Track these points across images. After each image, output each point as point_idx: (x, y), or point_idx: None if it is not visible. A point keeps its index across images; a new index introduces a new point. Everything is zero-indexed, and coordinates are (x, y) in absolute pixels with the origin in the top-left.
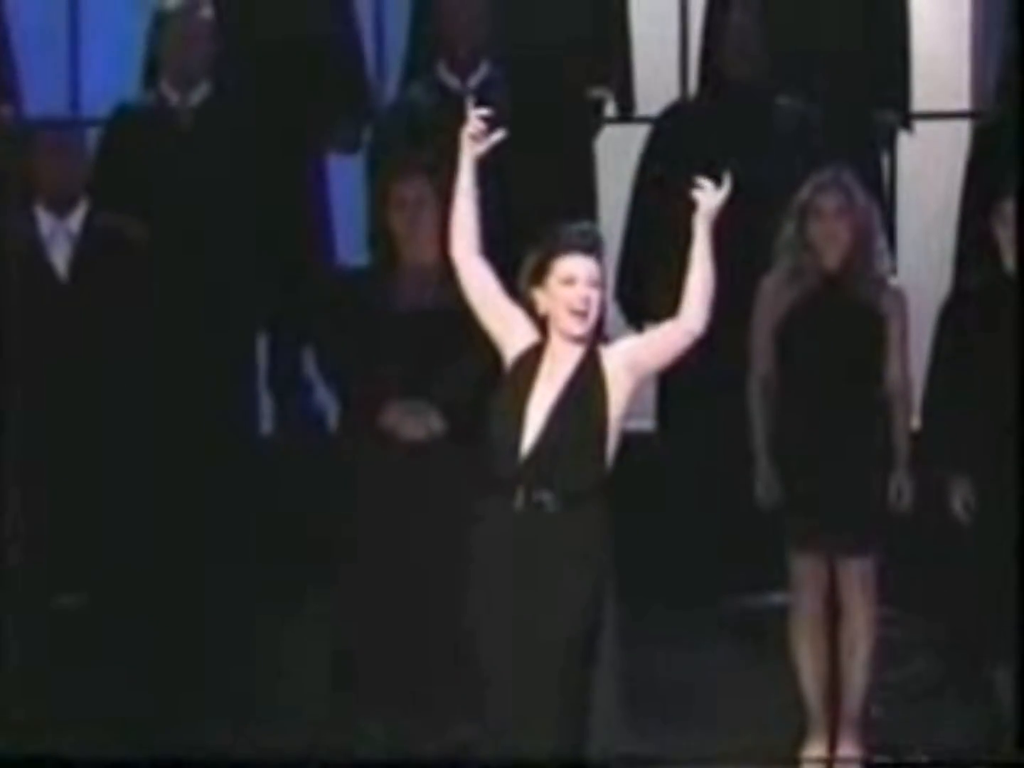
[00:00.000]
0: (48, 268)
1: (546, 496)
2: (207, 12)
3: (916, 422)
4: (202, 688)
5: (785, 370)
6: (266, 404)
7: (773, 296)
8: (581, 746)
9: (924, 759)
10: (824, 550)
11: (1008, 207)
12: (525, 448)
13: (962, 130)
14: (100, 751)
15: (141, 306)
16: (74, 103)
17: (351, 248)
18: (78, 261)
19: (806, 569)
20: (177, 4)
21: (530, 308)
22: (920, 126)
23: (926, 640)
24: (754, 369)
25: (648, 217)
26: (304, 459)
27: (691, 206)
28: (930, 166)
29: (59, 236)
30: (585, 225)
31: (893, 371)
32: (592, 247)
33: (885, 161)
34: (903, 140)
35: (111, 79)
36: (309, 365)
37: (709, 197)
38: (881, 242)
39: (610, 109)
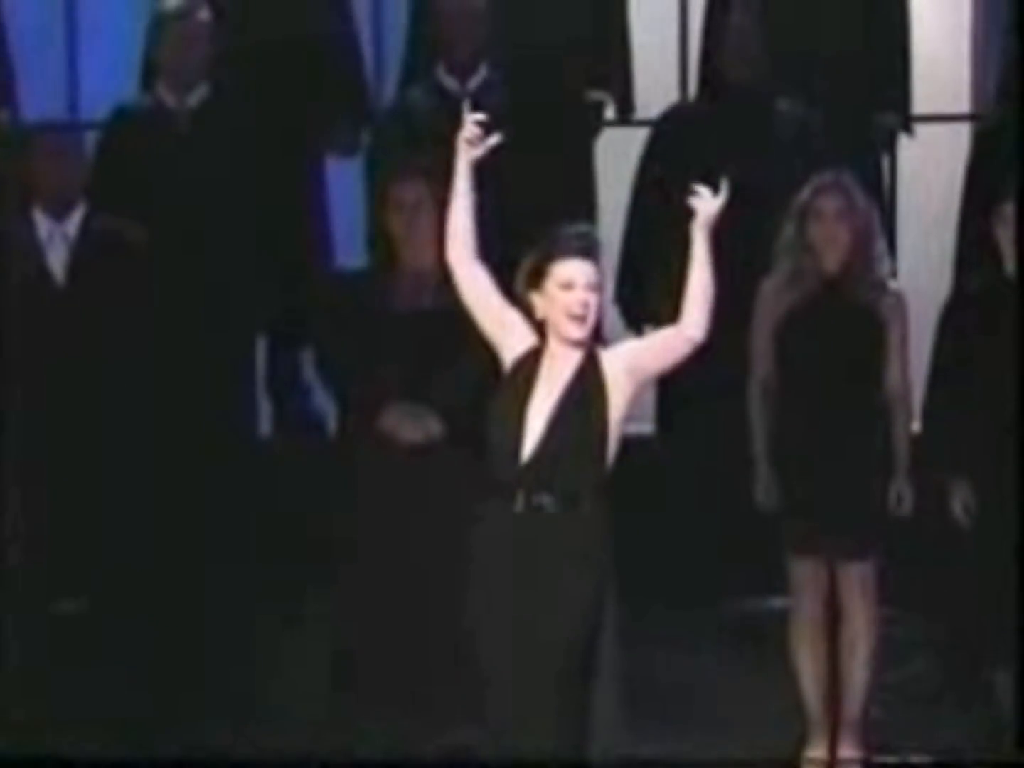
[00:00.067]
0: (46, 271)
1: (546, 499)
2: (205, 14)
3: (916, 425)
4: (202, 688)
5: (785, 373)
6: (265, 406)
7: (773, 298)
8: (581, 747)
9: (924, 759)
10: (824, 554)
11: (1008, 210)
12: (525, 452)
13: (962, 133)
14: (100, 751)
15: (139, 308)
16: (72, 106)
17: (350, 250)
18: (76, 264)
19: (806, 573)
20: (175, 6)
21: (528, 312)
22: (920, 129)
23: (926, 640)
24: (754, 372)
25: (648, 220)
26: (303, 461)
27: (691, 209)
28: (930, 169)
29: (56, 239)
30: (582, 227)
31: (893, 374)
32: (589, 250)
33: (885, 164)
34: (903, 142)
35: (109, 82)
36: (308, 367)
37: (707, 204)
38: (881, 245)
39: (610, 111)
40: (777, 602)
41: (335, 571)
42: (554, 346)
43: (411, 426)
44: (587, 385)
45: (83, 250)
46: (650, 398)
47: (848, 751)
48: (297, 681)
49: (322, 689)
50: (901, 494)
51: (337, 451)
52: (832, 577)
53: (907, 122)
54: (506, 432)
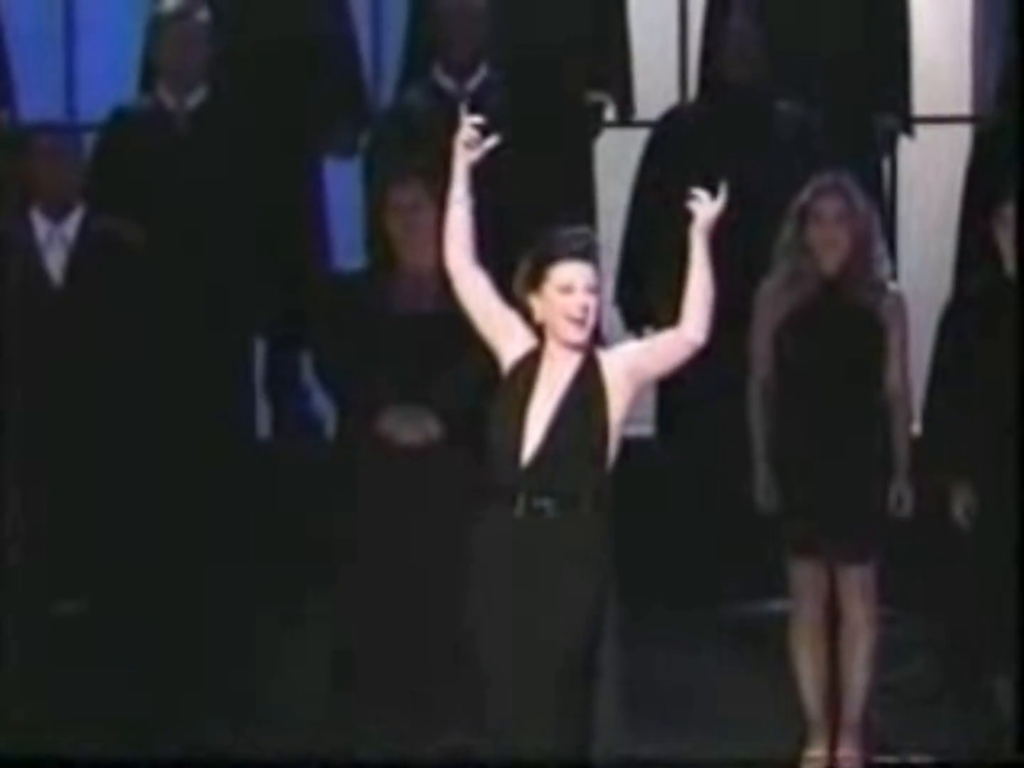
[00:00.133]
0: (44, 272)
1: (547, 502)
2: (204, 16)
3: (916, 427)
4: (202, 688)
5: (784, 374)
6: (264, 408)
7: (772, 300)
8: (582, 748)
9: (924, 760)
10: (824, 556)
11: (1008, 211)
12: (526, 455)
13: (963, 134)
14: (100, 751)
15: (138, 310)
16: (70, 107)
17: (348, 252)
18: (74, 265)
19: (806, 575)
20: (174, 8)
21: (526, 314)
22: (921, 130)
23: (926, 641)
24: (754, 374)
25: (648, 221)
26: (301, 463)
27: (689, 213)
28: (930, 171)
29: (55, 240)
30: (580, 229)
31: (893, 376)
32: (588, 252)
33: (885, 165)
34: (904, 144)
35: (107, 83)
36: (307, 369)
37: (705, 208)
38: (881, 247)
39: (609, 113)
40: (777, 604)
41: (335, 572)
42: (553, 348)
43: (410, 428)
44: (587, 387)
45: (82, 251)
46: (650, 400)
47: (848, 753)
48: (297, 681)
49: (322, 689)
50: (901, 496)
51: (336, 453)
52: (832, 579)
53: (907, 124)
54: (506, 435)
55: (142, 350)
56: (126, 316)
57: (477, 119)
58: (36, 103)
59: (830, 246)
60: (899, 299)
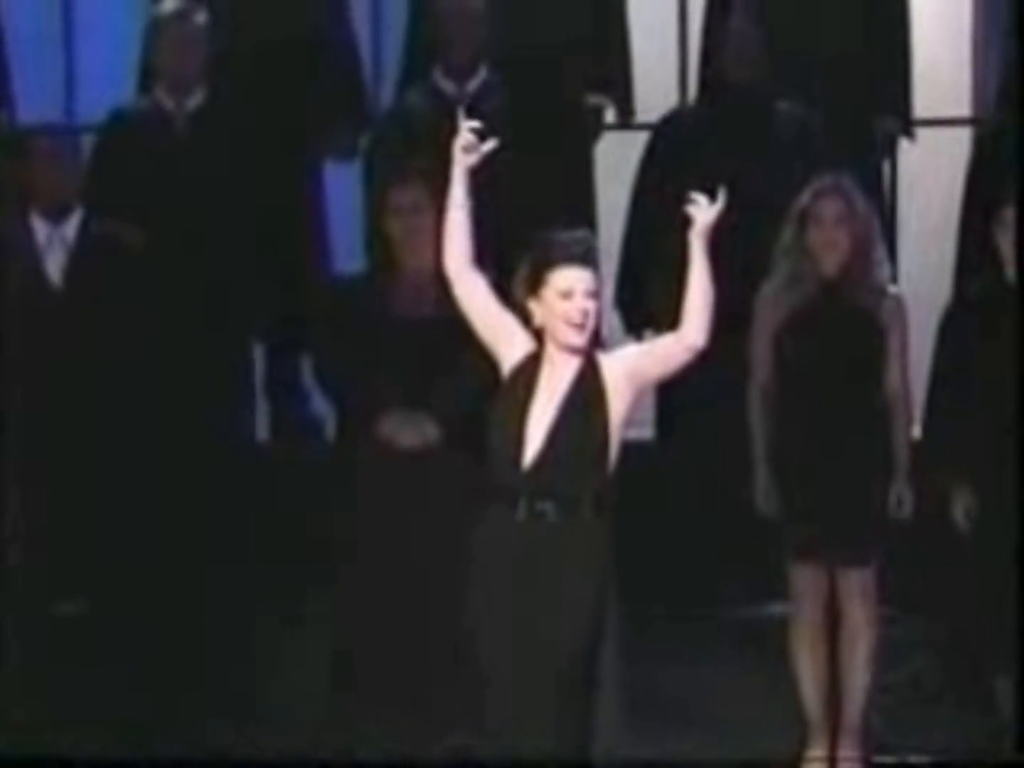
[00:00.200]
0: (43, 274)
1: (548, 506)
2: (202, 18)
3: (916, 430)
4: (202, 688)
5: (784, 377)
6: (263, 411)
7: (772, 303)
8: (582, 749)
9: (924, 760)
10: (824, 560)
11: (1009, 214)
12: (526, 459)
13: (963, 137)
14: (100, 751)
15: (137, 312)
16: (69, 109)
17: (348, 254)
18: (73, 267)
19: (806, 578)
20: (172, 9)
21: (525, 318)
22: (921, 133)
23: (926, 641)
24: (754, 376)
25: (648, 224)
26: (301, 466)
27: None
28: (931, 173)
29: (54, 242)
30: (578, 233)
31: (893, 378)
32: (586, 256)
33: (886, 168)
34: (904, 146)
35: (106, 85)
36: (306, 372)
37: (703, 213)
38: (881, 249)
39: (609, 115)
40: (777, 607)
41: (334, 574)
42: (553, 352)
43: (409, 431)
44: (587, 391)
45: (81, 253)
46: (650, 403)
47: (848, 754)
48: (297, 681)
49: (322, 689)
50: (901, 498)
51: (336, 455)
52: (832, 581)
53: (907, 126)
54: (507, 438)
55: (141, 352)
56: (125, 318)
57: (475, 124)
58: (35, 105)
59: (830, 248)
60: (899, 301)
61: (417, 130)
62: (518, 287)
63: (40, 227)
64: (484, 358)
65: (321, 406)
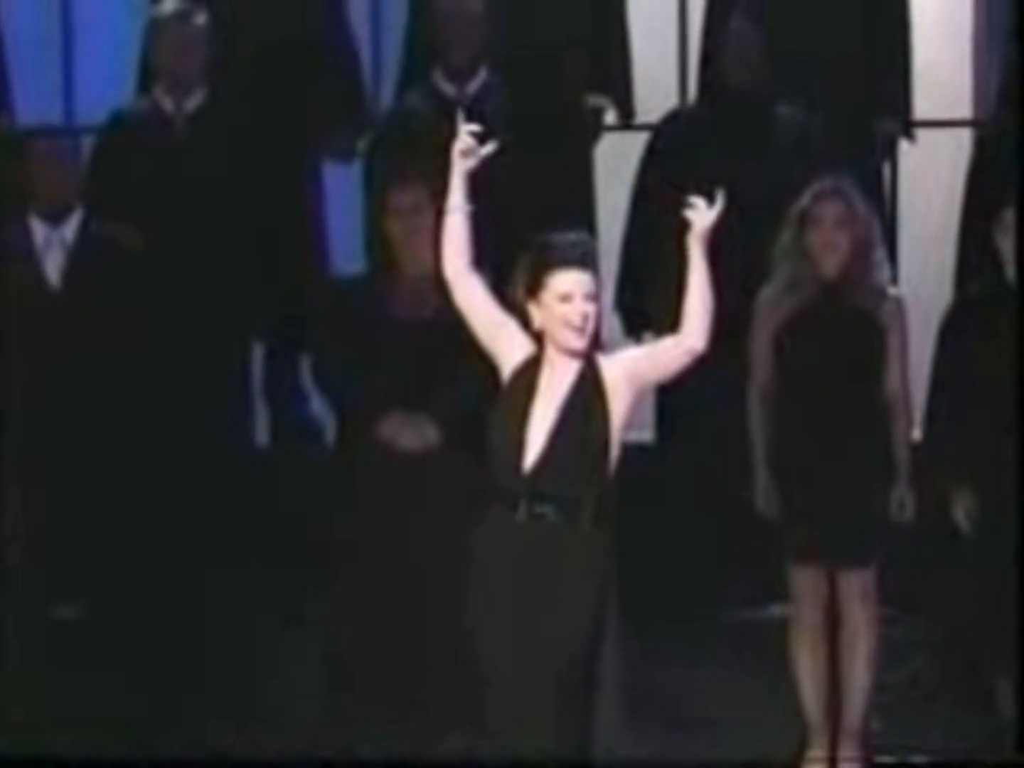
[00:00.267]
0: (42, 276)
1: (548, 508)
2: (202, 19)
3: (917, 432)
4: (202, 688)
5: (784, 379)
6: (262, 414)
7: (772, 305)
8: (582, 750)
9: (924, 760)
10: (824, 562)
11: (1009, 216)
12: (527, 461)
13: (963, 138)
14: (100, 751)
15: (136, 313)
16: (68, 110)
17: (348, 256)
18: (72, 269)
19: (806, 580)
20: (172, 11)
21: (525, 321)
22: (921, 134)
23: (925, 641)
24: (753, 378)
25: (648, 225)
26: (300, 467)
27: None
28: (931, 175)
29: (53, 244)
30: (576, 236)
31: (892, 380)
32: (585, 258)
33: (886, 169)
34: (904, 148)
35: (106, 86)
36: (306, 374)
37: (702, 216)
38: (880, 251)
39: (609, 116)
40: (777, 609)
41: (334, 577)
42: (553, 355)
43: (409, 434)
44: (588, 393)
45: (80, 255)
46: (649, 405)
47: (849, 755)
48: (297, 681)
49: (322, 689)
50: (903, 500)
51: (335, 457)
52: (832, 583)
53: (908, 127)
54: (507, 441)
55: (141, 354)
56: (124, 320)
57: (473, 127)
58: (34, 106)
59: (830, 250)
60: (899, 303)
61: (417, 131)
62: (517, 290)
63: (39, 228)
64: (483, 360)
65: (320, 408)
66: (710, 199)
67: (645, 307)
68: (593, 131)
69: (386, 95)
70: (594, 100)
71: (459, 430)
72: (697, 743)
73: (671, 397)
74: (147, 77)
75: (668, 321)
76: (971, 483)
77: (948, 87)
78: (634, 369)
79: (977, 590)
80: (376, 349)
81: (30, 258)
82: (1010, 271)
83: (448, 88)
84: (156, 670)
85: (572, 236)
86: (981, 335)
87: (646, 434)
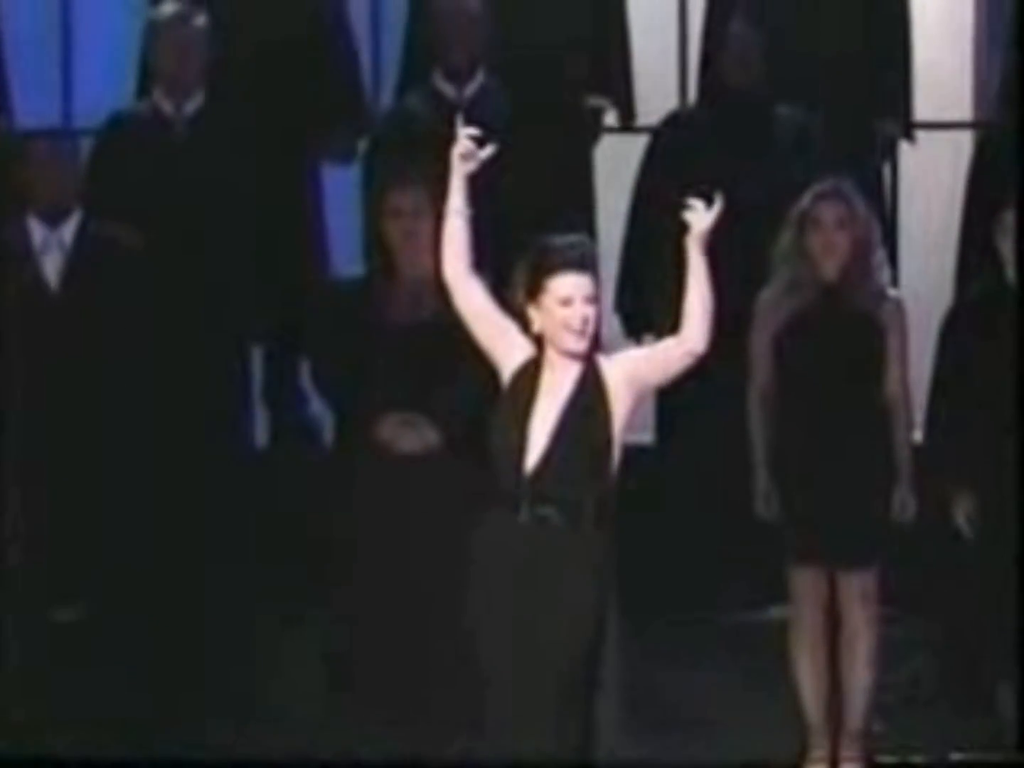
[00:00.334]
0: (41, 278)
1: (550, 510)
2: (201, 21)
3: (917, 434)
4: (202, 688)
5: (784, 381)
6: (262, 416)
7: (772, 307)
8: (582, 752)
9: (924, 760)
10: (824, 563)
11: (1009, 217)
12: (529, 463)
13: (964, 140)
14: (100, 751)
15: (135, 315)
16: (67, 113)
17: (347, 259)
18: (71, 271)
19: (806, 582)
20: (171, 12)
21: (524, 324)
22: (921, 136)
23: (925, 641)
24: (753, 380)
25: (648, 227)
26: (300, 470)
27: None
28: (931, 176)
29: (52, 246)
30: (575, 238)
31: (893, 382)
32: (584, 261)
33: (886, 171)
34: (904, 150)
35: (105, 88)
36: (305, 377)
37: (700, 219)
38: (880, 253)
39: (609, 117)
40: (776, 611)
41: (333, 579)
42: (553, 357)
43: (408, 436)
44: (589, 396)
45: (78, 257)
46: (649, 407)
47: (850, 762)
48: (297, 681)
49: (322, 690)
50: (903, 502)
51: (335, 460)
52: (832, 585)
53: (908, 129)
54: (509, 444)
55: (140, 355)
56: (123, 321)
57: (472, 131)
58: (33, 108)
59: (829, 252)
60: (898, 305)
61: (416, 133)
62: (516, 293)
63: (37, 230)
64: (482, 363)
65: (320, 410)
66: (709, 201)
67: (645, 309)
68: (593, 132)
69: (385, 96)
70: (594, 101)
71: (458, 432)
72: (697, 745)
73: (671, 399)
74: (146, 79)
75: (668, 323)
76: (972, 484)
77: (949, 88)
78: (635, 371)
79: (977, 590)
80: (375, 351)
81: (29, 259)
82: (1010, 272)
83: (447, 89)
84: (156, 670)
85: (571, 238)
86: (981, 336)
87: (646, 436)
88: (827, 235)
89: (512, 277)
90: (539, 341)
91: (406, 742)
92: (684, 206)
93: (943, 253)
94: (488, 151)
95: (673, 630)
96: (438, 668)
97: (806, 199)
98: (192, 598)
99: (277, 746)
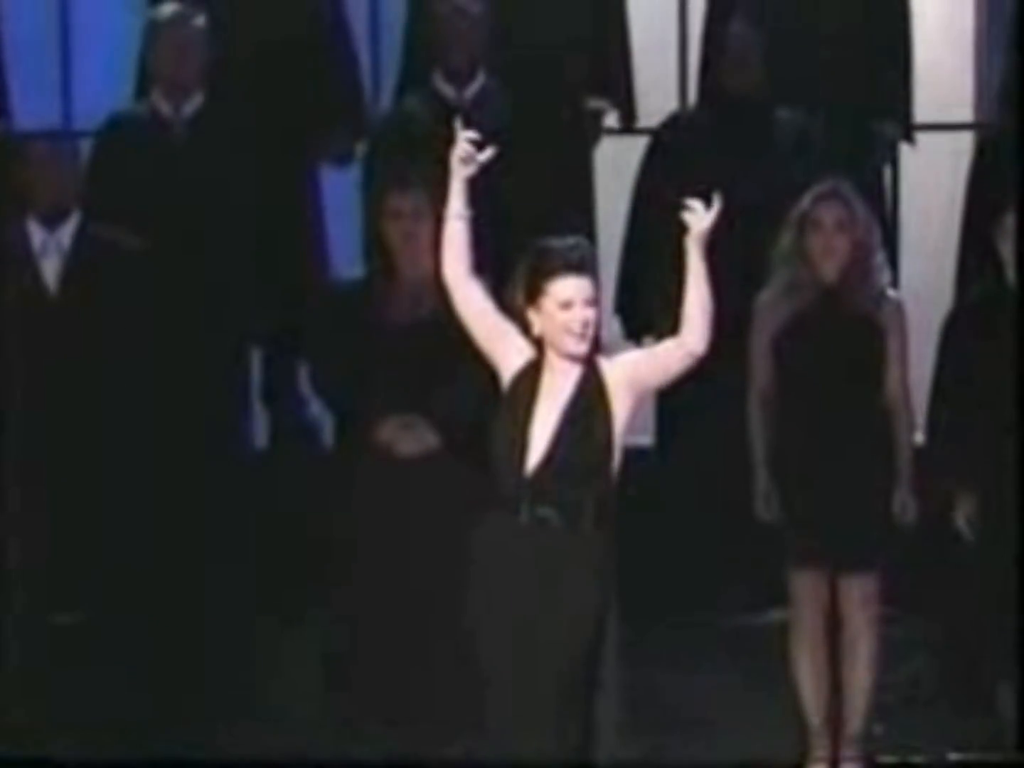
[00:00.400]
0: (40, 280)
1: (551, 512)
2: (200, 22)
3: (918, 436)
4: (202, 688)
5: (784, 383)
6: (261, 418)
7: (771, 308)
8: (582, 753)
9: (924, 760)
10: (825, 566)
11: (1009, 220)
12: (529, 465)
13: (964, 142)
14: (100, 753)
15: (134, 317)
16: (67, 114)
17: (346, 261)
18: (70, 273)
19: (806, 584)
20: (170, 14)
21: (524, 327)
22: (922, 138)
23: (925, 641)
24: (753, 382)
25: (648, 229)
26: (300, 472)
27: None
28: (932, 178)
29: (51, 248)
30: (574, 240)
31: (893, 384)
32: (583, 263)
33: (886, 173)
34: (905, 152)
35: (104, 90)
36: (304, 379)
37: (699, 220)
38: (880, 255)
39: (609, 119)
40: (777, 613)
41: (333, 579)
42: (553, 359)
43: (408, 438)
44: (589, 398)
45: (77, 259)
46: (649, 409)
47: (850, 761)
48: (297, 681)
49: (321, 690)
50: (905, 503)
51: (334, 462)
52: (832, 587)
53: (908, 131)
54: (509, 446)
55: (139, 358)
56: (122, 323)
57: (472, 134)
58: (32, 109)
59: (829, 254)
60: (898, 306)
61: (416, 135)
62: (516, 296)
63: (36, 232)
64: (482, 365)
65: (319, 412)
66: (708, 202)
67: (645, 311)
68: (593, 134)
69: (385, 98)
70: (594, 103)
71: (459, 435)
72: (697, 746)
73: (671, 400)
74: (145, 80)
75: (668, 324)
76: (972, 486)
77: (949, 90)
78: (635, 372)
79: (977, 591)
80: (374, 353)
81: (28, 261)
82: (1010, 274)
83: (447, 90)
84: (156, 671)
85: (570, 241)
86: (982, 338)
87: (646, 438)
88: (827, 237)
89: (512, 279)
90: (539, 343)
91: (406, 742)
92: (684, 207)
93: (943, 255)
94: (487, 154)
95: (673, 633)
96: (438, 669)
97: (806, 201)
98: (192, 599)
99: (277, 746)
